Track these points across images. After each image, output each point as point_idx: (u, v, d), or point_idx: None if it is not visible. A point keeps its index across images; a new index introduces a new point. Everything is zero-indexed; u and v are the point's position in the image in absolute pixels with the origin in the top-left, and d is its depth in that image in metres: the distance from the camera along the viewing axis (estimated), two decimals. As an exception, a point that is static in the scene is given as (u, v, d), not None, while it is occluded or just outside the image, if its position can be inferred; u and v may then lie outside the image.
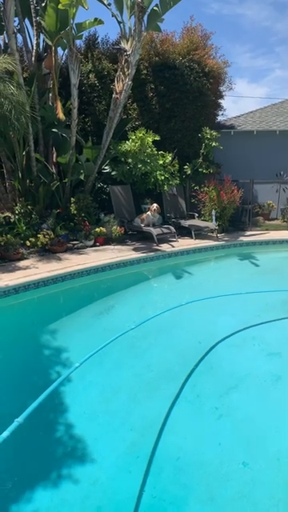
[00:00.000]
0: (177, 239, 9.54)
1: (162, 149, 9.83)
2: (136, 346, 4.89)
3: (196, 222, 10.40)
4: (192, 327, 5.45)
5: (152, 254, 8.44)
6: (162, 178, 9.58)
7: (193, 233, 9.79)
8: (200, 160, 10.68)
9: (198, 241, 9.61)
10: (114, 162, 9.69)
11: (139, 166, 9.04)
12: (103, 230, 8.93)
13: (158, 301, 6.83)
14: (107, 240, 9.06)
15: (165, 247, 8.91)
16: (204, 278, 7.99)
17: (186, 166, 10.68)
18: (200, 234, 10.05)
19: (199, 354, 4.48)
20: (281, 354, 4.66)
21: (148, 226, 9.46)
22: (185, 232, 10.14)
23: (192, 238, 9.75)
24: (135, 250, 8.67)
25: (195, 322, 5.62)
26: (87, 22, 8.74)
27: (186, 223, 10.18)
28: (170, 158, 9.79)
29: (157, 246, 8.96)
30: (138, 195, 10.48)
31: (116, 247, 8.76)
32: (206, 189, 10.51)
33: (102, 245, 8.88)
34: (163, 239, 9.42)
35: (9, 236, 7.58)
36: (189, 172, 10.67)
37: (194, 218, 10.79)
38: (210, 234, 10.22)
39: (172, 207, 10.93)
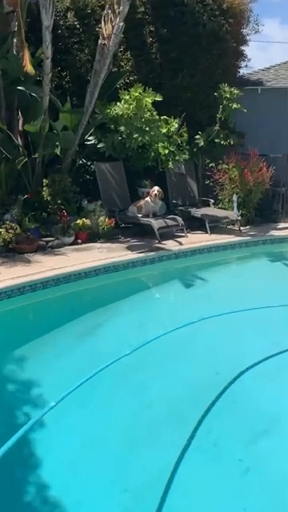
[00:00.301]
0: (186, 234, 9.57)
1: (165, 113, 9.84)
2: (132, 378, 4.91)
3: (212, 210, 10.43)
4: (207, 352, 5.47)
5: (152, 253, 8.46)
6: (166, 151, 9.60)
7: (207, 225, 9.82)
8: (217, 127, 10.68)
9: (214, 236, 9.63)
10: (101, 131, 9.70)
11: (135, 135, 9.05)
12: (87, 222, 8.95)
13: (162, 317, 6.84)
14: (92, 236, 9.07)
15: (170, 245, 8.94)
16: (223, 286, 8.01)
17: (197, 136, 10.70)
18: (217, 226, 10.08)
19: (217, 388, 4.48)
20: None
21: (147, 216, 9.47)
22: (197, 224, 10.17)
23: (206, 232, 9.78)
24: (130, 248, 8.69)
25: (212, 345, 5.63)
26: None
27: (197, 212, 10.20)
28: (177, 126, 9.82)
29: (159, 243, 8.97)
30: (133, 175, 10.50)
31: (104, 245, 8.78)
32: (224, 166, 10.53)
33: (85, 242, 8.89)
34: (168, 234, 9.44)
35: None
36: (202, 144, 10.68)
37: (208, 205, 10.80)
38: (231, 226, 10.25)
39: (179, 191, 10.95)
